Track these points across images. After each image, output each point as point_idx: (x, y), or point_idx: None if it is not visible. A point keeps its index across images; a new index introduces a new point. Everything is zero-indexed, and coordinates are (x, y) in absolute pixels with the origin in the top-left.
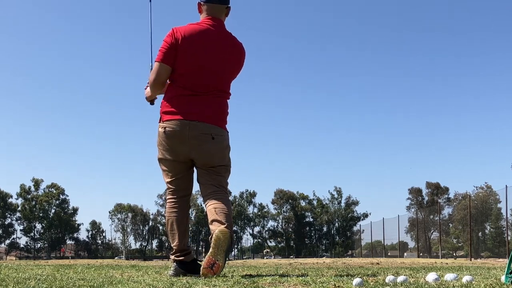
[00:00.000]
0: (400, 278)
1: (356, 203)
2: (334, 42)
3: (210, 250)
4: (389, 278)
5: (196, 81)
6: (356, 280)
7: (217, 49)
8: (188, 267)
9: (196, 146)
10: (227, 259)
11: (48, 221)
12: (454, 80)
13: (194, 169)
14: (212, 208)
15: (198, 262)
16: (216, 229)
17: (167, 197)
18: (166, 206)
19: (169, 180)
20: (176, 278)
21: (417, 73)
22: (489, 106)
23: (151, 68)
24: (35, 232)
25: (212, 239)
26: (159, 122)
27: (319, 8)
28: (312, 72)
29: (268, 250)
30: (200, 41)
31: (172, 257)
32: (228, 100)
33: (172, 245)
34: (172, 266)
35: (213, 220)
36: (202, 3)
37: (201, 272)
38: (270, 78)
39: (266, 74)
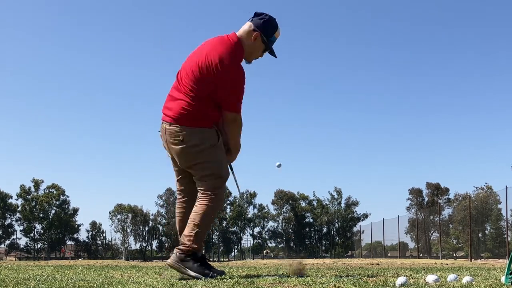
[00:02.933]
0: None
1: (356, 203)
2: (334, 40)
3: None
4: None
5: (179, 79)
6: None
7: (204, 51)
8: None
9: (171, 149)
10: (193, 263)
11: (48, 222)
12: (455, 80)
13: None
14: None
15: (207, 259)
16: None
17: (176, 197)
18: (176, 206)
19: (176, 179)
20: (176, 278)
21: (417, 73)
22: (490, 106)
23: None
24: (35, 233)
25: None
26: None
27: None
28: (312, 72)
29: (268, 251)
30: (203, 43)
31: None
32: (202, 103)
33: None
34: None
35: None
36: (260, 37)
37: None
38: (270, 77)
39: (265, 73)
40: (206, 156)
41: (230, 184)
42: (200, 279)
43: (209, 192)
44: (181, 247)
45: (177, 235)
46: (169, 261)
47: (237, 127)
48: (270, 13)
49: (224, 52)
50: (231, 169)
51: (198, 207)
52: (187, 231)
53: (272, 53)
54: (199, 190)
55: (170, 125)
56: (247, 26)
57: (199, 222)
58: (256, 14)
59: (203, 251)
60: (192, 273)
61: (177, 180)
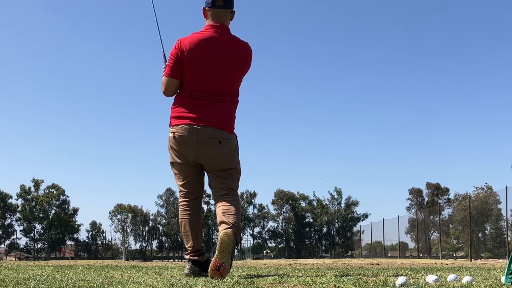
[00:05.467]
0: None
1: (356, 203)
2: (334, 39)
3: (216, 252)
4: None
5: (203, 87)
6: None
7: (221, 55)
8: (202, 266)
9: (203, 150)
10: (233, 259)
11: (48, 222)
12: (455, 80)
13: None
14: (220, 210)
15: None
16: (221, 231)
17: (180, 200)
18: (179, 209)
19: (181, 183)
20: (176, 278)
21: (417, 73)
22: (490, 106)
23: (164, 56)
24: (35, 233)
25: (218, 241)
26: (169, 127)
27: (321, 5)
28: (312, 72)
29: (268, 251)
30: (204, 48)
31: (187, 256)
32: (236, 105)
33: (186, 246)
34: (187, 265)
35: (220, 222)
36: (206, 8)
37: (209, 274)
38: (269, 77)
39: (265, 73)
40: (238, 161)
41: None
42: (223, 275)
43: (235, 190)
44: (237, 234)
45: (177, 235)
46: (225, 233)
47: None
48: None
49: (245, 44)
50: None
51: (235, 201)
52: (235, 220)
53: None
54: (225, 188)
55: (205, 127)
56: (226, 14)
57: (240, 214)
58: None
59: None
60: (230, 265)
61: (182, 184)
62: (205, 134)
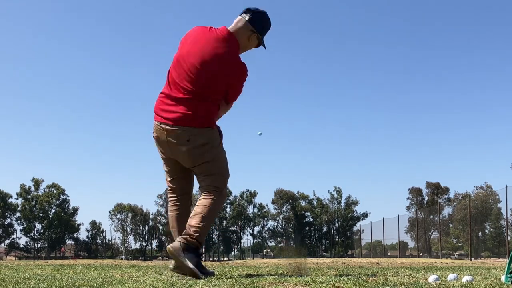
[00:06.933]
0: (431, 277)
1: (356, 203)
2: (332, 38)
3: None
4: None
5: (178, 79)
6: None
7: (202, 58)
8: None
9: (174, 150)
10: (195, 256)
11: (48, 221)
12: (455, 80)
13: None
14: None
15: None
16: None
17: (168, 196)
18: (168, 205)
19: (168, 179)
20: (176, 278)
21: (417, 72)
22: (489, 105)
23: None
24: (35, 232)
25: None
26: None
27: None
28: (312, 72)
29: (268, 250)
30: (190, 47)
31: None
32: (212, 103)
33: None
34: (172, 261)
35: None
36: (243, 15)
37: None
38: (270, 77)
39: (265, 73)
40: (214, 155)
41: (230, 183)
42: (196, 274)
43: (215, 189)
44: (186, 237)
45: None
46: (170, 246)
47: (226, 110)
48: (268, 10)
49: (230, 52)
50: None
51: (206, 200)
52: (194, 221)
53: (263, 46)
54: (205, 186)
55: (172, 126)
56: (242, 24)
57: (206, 214)
58: (252, 11)
59: (203, 250)
60: (191, 265)
61: (170, 181)
62: (173, 133)
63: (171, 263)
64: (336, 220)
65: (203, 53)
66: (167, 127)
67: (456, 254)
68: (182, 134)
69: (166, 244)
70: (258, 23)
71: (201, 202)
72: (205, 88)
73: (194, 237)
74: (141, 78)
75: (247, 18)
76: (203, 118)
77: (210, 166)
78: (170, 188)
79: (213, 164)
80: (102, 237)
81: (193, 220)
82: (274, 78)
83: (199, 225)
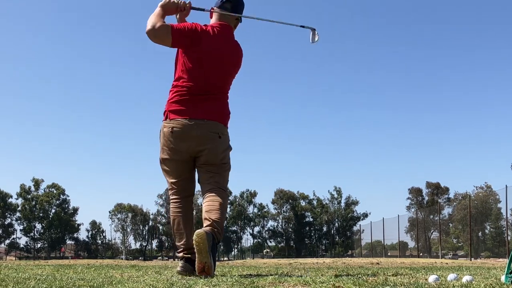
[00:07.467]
0: (431, 277)
1: (356, 203)
2: (333, 39)
3: (196, 255)
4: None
5: (201, 82)
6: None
7: (221, 53)
8: (195, 264)
9: (203, 144)
10: (215, 255)
11: (48, 221)
12: (455, 79)
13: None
14: (205, 207)
15: None
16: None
17: (171, 198)
18: (171, 207)
19: (173, 181)
20: (176, 278)
21: (418, 72)
22: (489, 105)
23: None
24: (35, 232)
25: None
26: (164, 121)
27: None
28: (312, 71)
29: (268, 250)
30: (209, 44)
31: (179, 255)
32: (226, 98)
33: (179, 244)
34: (180, 263)
35: (204, 218)
36: (214, 8)
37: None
38: (270, 76)
39: (265, 73)
40: (229, 158)
41: (230, 183)
42: (211, 274)
43: (224, 189)
44: (215, 231)
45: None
46: (203, 232)
47: None
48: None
49: (238, 45)
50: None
51: (220, 197)
52: (216, 216)
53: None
54: (214, 183)
55: (207, 121)
56: (229, 16)
57: (224, 211)
58: (230, 1)
59: None
60: (213, 263)
61: (175, 182)
62: (206, 128)
63: (179, 266)
64: (336, 220)
65: (226, 52)
66: (200, 122)
67: (450, 254)
68: (216, 129)
69: (166, 244)
70: (240, 8)
71: (216, 198)
72: (228, 84)
73: (220, 232)
74: (141, 78)
75: (229, 7)
76: (227, 116)
77: (225, 166)
78: (174, 189)
79: (227, 165)
80: (102, 237)
81: (216, 215)
82: (274, 78)
83: (220, 220)
